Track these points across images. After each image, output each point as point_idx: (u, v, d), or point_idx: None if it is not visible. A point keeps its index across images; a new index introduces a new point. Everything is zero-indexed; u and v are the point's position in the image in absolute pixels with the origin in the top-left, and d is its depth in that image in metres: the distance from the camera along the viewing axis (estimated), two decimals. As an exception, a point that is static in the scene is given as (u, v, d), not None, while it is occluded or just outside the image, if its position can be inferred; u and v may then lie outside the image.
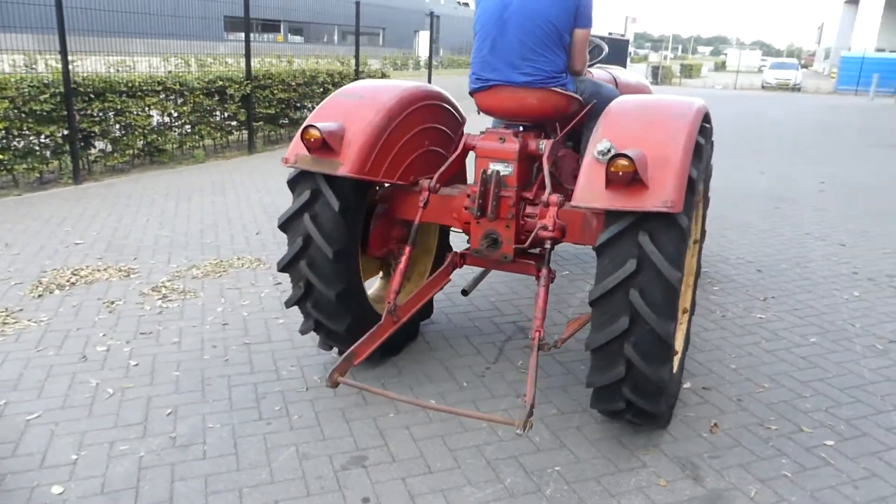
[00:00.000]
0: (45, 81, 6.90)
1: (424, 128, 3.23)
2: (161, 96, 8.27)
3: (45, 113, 6.86)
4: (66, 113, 7.07)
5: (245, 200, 6.78)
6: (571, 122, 3.33)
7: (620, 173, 2.30)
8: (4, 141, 6.69)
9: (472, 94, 3.24)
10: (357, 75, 11.47)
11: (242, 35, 9.45)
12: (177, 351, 3.57)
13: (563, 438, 2.86)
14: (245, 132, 9.77)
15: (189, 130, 8.89)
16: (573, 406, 3.12)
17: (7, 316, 3.89)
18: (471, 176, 3.52)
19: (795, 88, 29.12)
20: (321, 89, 10.79)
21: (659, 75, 29.68)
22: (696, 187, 2.49)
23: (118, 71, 7.91)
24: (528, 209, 3.05)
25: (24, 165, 6.83)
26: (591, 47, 3.74)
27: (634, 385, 2.54)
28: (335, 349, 3.40)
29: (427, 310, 3.73)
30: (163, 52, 8.97)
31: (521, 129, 3.20)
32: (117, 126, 7.84)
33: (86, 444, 2.75)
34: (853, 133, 14.32)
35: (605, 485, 2.56)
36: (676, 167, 2.36)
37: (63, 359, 3.44)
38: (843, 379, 3.39)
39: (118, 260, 4.88)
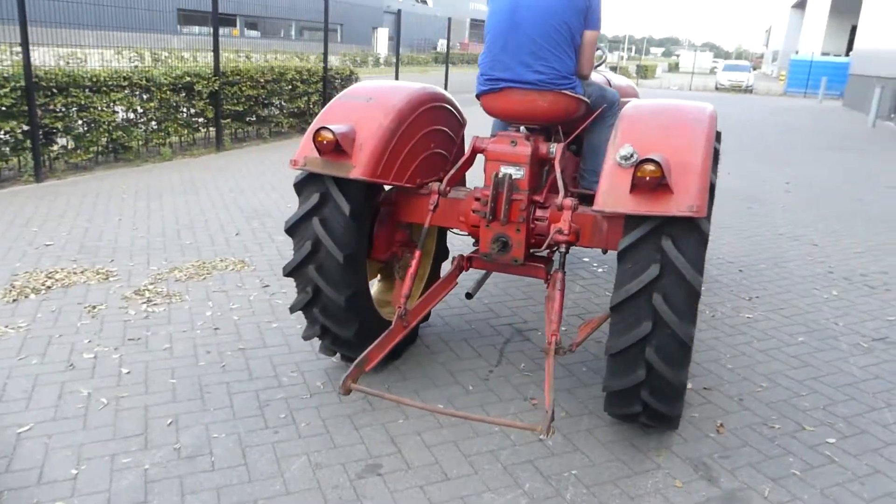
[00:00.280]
0: (6, 75, 6.60)
1: (431, 130, 3.20)
2: (126, 92, 8.00)
3: (4, 108, 6.57)
4: (27, 108, 6.77)
5: (219, 200, 6.61)
6: (574, 124, 3.34)
7: (648, 178, 2.31)
8: (-37, 137, 6.38)
9: (479, 96, 3.21)
10: (325, 73, 11.32)
11: (196, 28, 9.21)
12: (169, 357, 3.45)
13: (575, 442, 2.86)
14: (212, 129, 9.55)
15: (155, 127, 8.63)
16: (581, 409, 3.13)
17: (-17, 322, 3.70)
18: (472, 179, 3.51)
19: (748, 90, 29.98)
20: (290, 86, 10.61)
21: (617, 76, 30.04)
22: (714, 192, 2.52)
23: (68, 63, 7.62)
24: (538, 213, 3.05)
25: (-17, 162, 6.53)
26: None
27: (653, 388, 2.56)
28: (336, 355, 3.34)
29: (426, 313, 3.70)
30: (114, 45, 8.65)
31: (525, 131, 3.19)
32: (81, 122, 7.56)
33: (85, 458, 2.63)
34: (807, 134, 14.80)
35: (623, 487, 2.58)
36: (698, 172, 2.38)
37: (49, 367, 3.29)
38: (835, 377, 3.49)
39: (94, 262, 4.70)
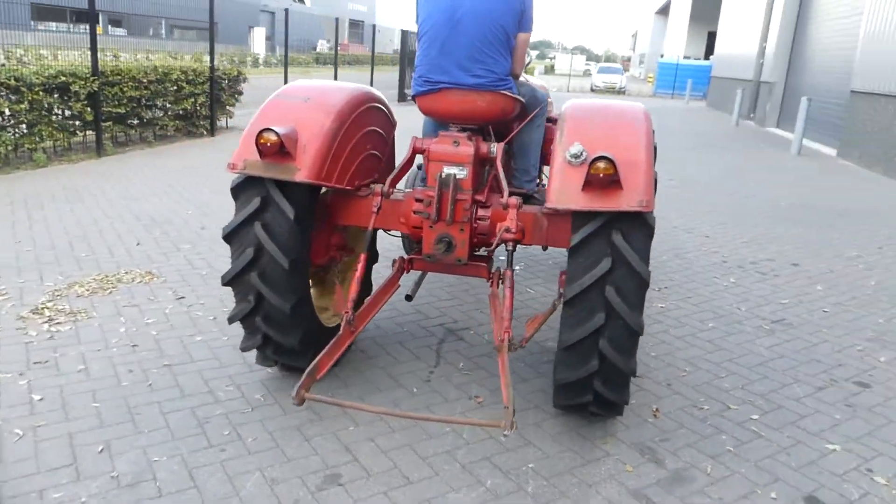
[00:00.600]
0: None
1: (367, 131, 3.15)
2: (-8, 92, 7.28)
3: None
4: None
5: (111, 208, 6.16)
6: (506, 124, 3.40)
7: (601, 175, 2.40)
8: None
9: (415, 96, 3.20)
10: (212, 73, 10.82)
11: (53, 25, 8.53)
12: (86, 379, 3.18)
13: (526, 436, 2.92)
14: (91, 133, 8.87)
15: (26, 131, 7.90)
16: (525, 404, 3.19)
17: None
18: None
19: (621, 91, 31.79)
20: (175, 87, 10.06)
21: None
22: (657, 186, 2.66)
23: None
24: (480, 212, 3.08)
25: None
26: None
27: (605, 378, 2.66)
28: (275, 365, 3.22)
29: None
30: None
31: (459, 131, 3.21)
32: (-60, 125, 6.79)
33: (8, 497, 2.37)
34: (680, 133, 15.88)
35: (579, 476, 2.66)
36: (645, 168, 2.50)
37: (-56, 399, 2.94)
38: (747, 358, 3.78)
39: (-23, 280, 4.25)
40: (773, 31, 16.32)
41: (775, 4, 16.34)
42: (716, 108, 24.03)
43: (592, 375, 2.65)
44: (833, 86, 12.71)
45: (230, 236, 2.82)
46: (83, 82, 8.34)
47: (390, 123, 3.46)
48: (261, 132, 2.62)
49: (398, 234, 3.74)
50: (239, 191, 2.83)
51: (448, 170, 2.99)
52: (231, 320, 2.95)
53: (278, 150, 2.64)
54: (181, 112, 10.40)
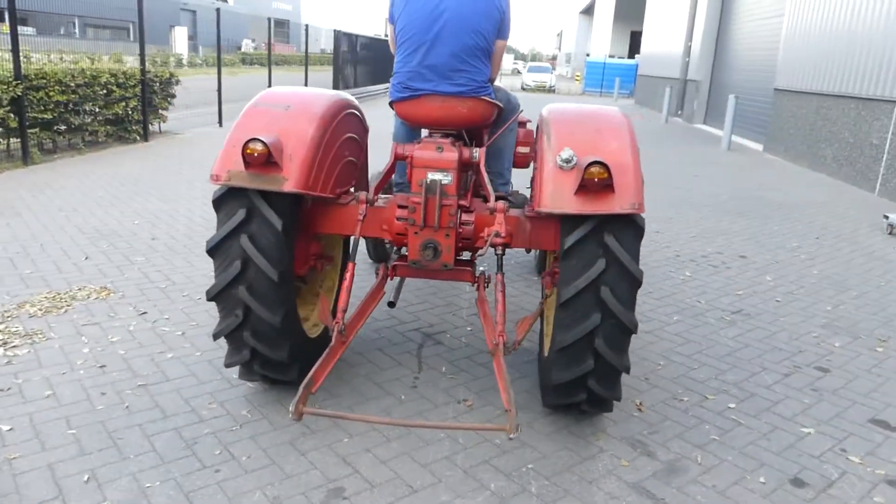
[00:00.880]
0: None
1: (346, 138, 3.11)
2: None
3: None
4: None
5: (50, 221, 5.85)
6: (482, 128, 3.43)
7: (596, 179, 2.45)
8: None
9: (394, 102, 3.18)
10: (144, 76, 10.41)
11: None
12: (57, 405, 3.01)
13: (521, 437, 2.95)
14: (15, 141, 8.38)
15: (-55, 139, 7.40)
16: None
17: None
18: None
19: (551, 90, 32.43)
20: (104, 90, 9.62)
21: (432, 78, 30.97)
22: None
23: None
24: (464, 217, 3.09)
25: None
26: None
27: (599, 376, 2.72)
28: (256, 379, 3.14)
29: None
30: None
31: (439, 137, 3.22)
32: None
33: (-9, 536, 2.23)
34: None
35: (579, 473, 2.71)
36: (634, 171, 2.57)
37: None
38: (714, 349, 3.93)
39: (-84, 303, 3.96)
40: (697, 30, 17.02)
41: (699, 5, 17.05)
42: (643, 105, 24.83)
43: (587, 374, 2.71)
44: (758, 83, 13.37)
45: (214, 250, 2.73)
46: (5, 87, 7.86)
47: (364, 129, 3.43)
48: (248, 142, 2.55)
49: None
50: (221, 202, 2.75)
51: (433, 175, 2.98)
52: (216, 336, 2.86)
53: (265, 161, 2.58)
54: (112, 117, 9.96)
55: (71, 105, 9.09)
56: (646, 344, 3.97)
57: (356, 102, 3.30)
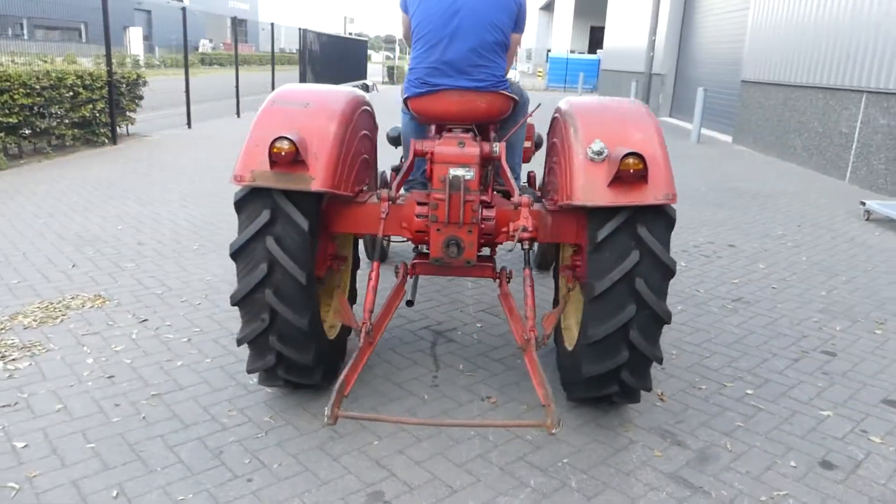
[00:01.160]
0: None
1: (362, 135, 3.06)
2: None
3: None
4: None
5: (28, 228, 5.63)
6: (499, 123, 3.40)
7: (631, 171, 2.45)
8: None
9: (409, 98, 3.13)
10: (111, 77, 10.10)
11: None
12: (70, 419, 2.90)
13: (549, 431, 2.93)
14: (-21, 146, 8.06)
15: None
16: (536, 399, 3.20)
17: None
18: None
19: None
20: (70, 93, 9.31)
21: (395, 75, 30.90)
22: None
23: None
24: (485, 212, 3.06)
25: None
26: None
27: (633, 368, 2.73)
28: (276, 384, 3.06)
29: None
30: None
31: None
32: None
33: (23, 559, 2.13)
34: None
35: (614, 465, 2.71)
36: (664, 161, 2.58)
37: None
38: (722, 337, 3.99)
39: None
40: (661, 25, 17.28)
41: (661, 1, 17.31)
42: (607, 100, 25.12)
43: (621, 367, 2.71)
44: (724, 76, 13.64)
45: (238, 253, 2.65)
46: (-31, 91, 7.56)
47: (375, 126, 3.38)
48: (275, 141, 2.47)
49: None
50: (243, 204, 2.66)
51: (454, 171, 2.94)
52: (241, 342, 2.78)
53: (292, 160, 2.51)
54: (78, 120, 9.65)
55: (37, 108, 8.78)
56: (655, 334, 3.99)
57: (368, 99, 3.24)
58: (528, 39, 55.55)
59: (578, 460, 2.75)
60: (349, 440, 2.82)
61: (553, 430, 2.37)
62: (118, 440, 2.76)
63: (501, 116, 3.23)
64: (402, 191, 3.39)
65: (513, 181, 2.97)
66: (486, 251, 3.31)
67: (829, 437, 2.97)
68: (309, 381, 2.95)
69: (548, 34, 46.48)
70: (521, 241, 2.83)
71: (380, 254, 4.75)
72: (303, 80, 18.53)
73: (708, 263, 5.41)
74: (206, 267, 4.87)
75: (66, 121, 9.49)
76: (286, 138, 2.47)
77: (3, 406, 2.97)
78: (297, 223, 2.62)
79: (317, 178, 2.57)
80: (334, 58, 21.09)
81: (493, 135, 3.55)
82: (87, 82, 9.64)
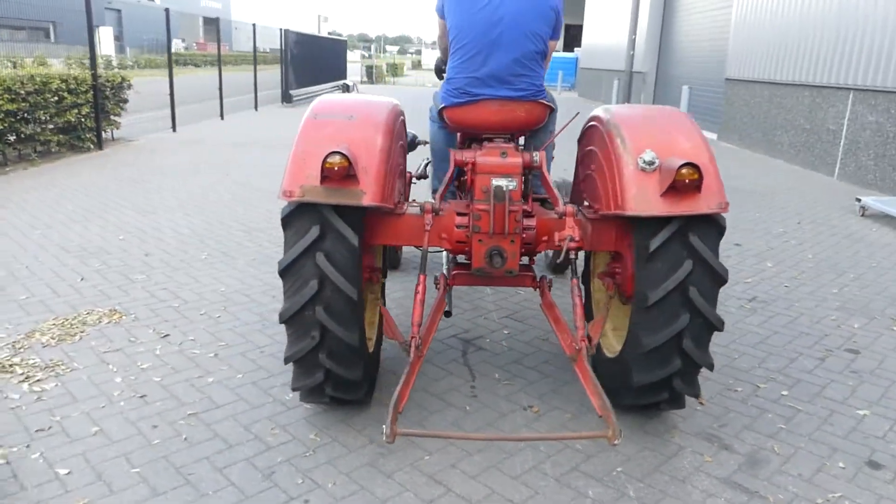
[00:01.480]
0: None
1: (401, 145, 3.02)
2: None
3: None
4: None
5: (26, 241, 5.48)
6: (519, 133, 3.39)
7: (687, 181, 2.45)
8: None
9: (446, 108, 3.09)
10: (95, 81, 9.88)
11: None
12: (109, 443, 2.82)
13: (598, 441, 2.93)
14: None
15: None
16: (578, 407, 3.21)
17: None
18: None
19: (493, 85, 32.52)
20: (55, 97, 9.09)
21: (373, 75, 30.78)
22: None
23: None
24: (526, 221, 3.05)
25: None
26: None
27: (684, 375, 2.74)
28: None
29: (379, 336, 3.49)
30: None
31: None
32: None
33: None
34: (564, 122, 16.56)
35: (669, 473, 2.72)
36: (714, 171, 2.58)
37: (-52, 489, 2.49)
38: (746, 338, 4.02)
39: (-89, 340, 3.63)
40: (641, 24, 17.42)
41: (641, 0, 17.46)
42: (586, 97, 25.28)
43: (674, 374, 2.72)
44: (708, 74, 13.80)
45: (287, 270, 2.60)
46: (-47, 98, 7.34)
47: (406, 135, 3.34)
48: (328, 156, 2.43)
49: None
50: (291, 219, 2.61)
51: (497, 181, 2.92)
52: (289, 360, 2.73)
53: (345, 175, 2.47)
54: (64, 125, 9.42)
55: (21, 114, 8.56)
56: (681, 337, 4.02)
57: (402, 107, 3.20)
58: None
59: (632, 469, 2.75)
60: (399, 456, 2.79)
61: (615, 441, 2.37)
62: (163, 463, 2.69)
63: (539, 125, 3.21)
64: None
65: (555, 190, 2.96)
66: (524, 260, 3.29)
67: (871, 437, 3.01)
68: (355, 396, 2.91)
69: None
70: (568, 250, 2.82)
71: (392, 263, 4.72)
72: (284, 80, 18.33)
73: (718, 263, 5.45)
74: (218, 277, 4.79)
75: (51, 126, 9.26)
76: (339, 153, 2.43)
77: (38, 431, 2.88)
78: (348, 238, 2.58)
79: (368, 193, 2.53)
80: (315, 57, 20.89)
81: (516, 141, 3.54)
82: (73, 86, 9.42)
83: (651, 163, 2.57)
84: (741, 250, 5.84)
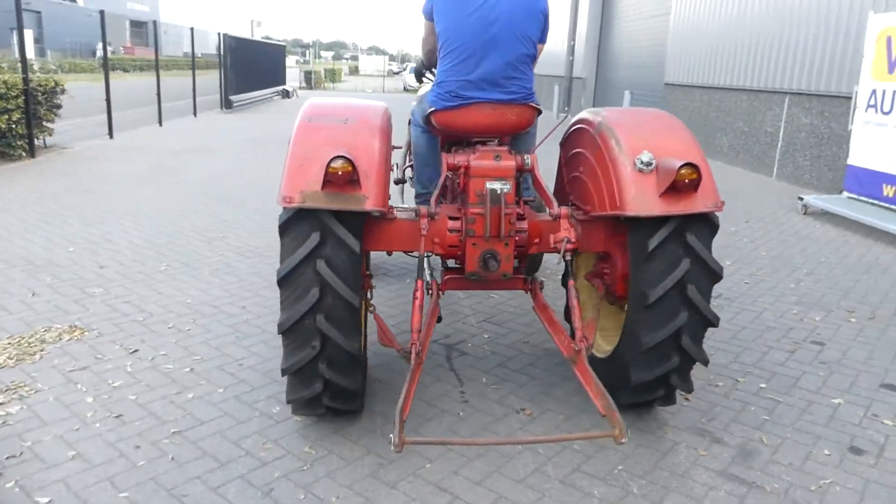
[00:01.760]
0: None
1: (391, 149, 2.97)
2: None
3: None
4: None
5: (-33, 255, 5.13)
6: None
7: (687, 181, 2.50)
8: None
9: (437, 111, 3.06)
10: (27, 85, 9.36)
11: None
12: (90, 467, 2.65)
13: (595, 441, 2.96)
14: None
15: None
16: (569, 408, 3.23)
17: None
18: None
19: (434, 91, 32.59)
20: (-16, 103, 8.57)
21: (312, 80, 30.36)
22: None
23: None
24: (519, 224, 3.05)
25: None
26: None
27: (681, 371, 2.79)
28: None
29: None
30: None
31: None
32: None
33: None
34: (510, 129, 16.74)
35: (668, 469, 2.76)
36: (707, 170, 2.65)
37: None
38: (719, 335, 4.13)
39: None
40: (580, 30, 17.83)
41: (580, 7, 17.85)
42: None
43: (672, 371, 2.76)
44: (648, 79, 14.22)
45: (286, 279, 2.51)
46: None
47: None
48: (332, 160, 2.36)
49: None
50: (289, 226, 2.53)
51: (491, 185, 2.91)
52: (286, 371, 2.64)
53: (349, 179, 2.41)
54: (-8, 133, 8.89)
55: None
56: (656, 335, 4.10)
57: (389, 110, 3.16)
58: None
59: (632, 466, 2.78)
60: (400, 465, 2.73)
61: (622, 440, 2.39)
62: (152, 486, 2.55)
63: (528, 128, 3.22)
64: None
65: (548, 192, 2.97)
66: (514, 263, 3.28)
67: (849, 424, 3.14)
68: (351, 406, 2.84)
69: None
70: (566, 251, 2.83)
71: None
72: (224, 85, 17.85)
73: (679, 262, 5.60)
74: (182, 289, 4.60)
75: (-22, 134, 8.74)
76: (344, 157, 2.37)
77: (8, 458, 2.69)
78: (348, 244, 2.52)
79: (370, 197, 2.48)
80: (254, 63, 20.44)
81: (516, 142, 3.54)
82: (2, 91, 8.90)
83: (649, 164, 2.61)
84: (699, 249, 6.01)
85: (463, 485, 2.62)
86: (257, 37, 34.54)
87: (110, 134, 11.86)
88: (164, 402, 3.15)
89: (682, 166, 2.50)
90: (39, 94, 9.88)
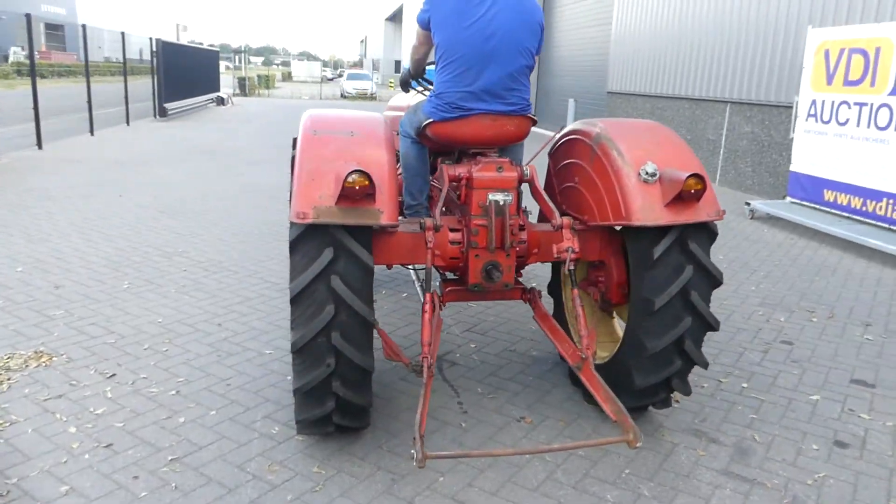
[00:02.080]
0: None
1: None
2: None
3: None
4: None
5: None
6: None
7: (692, 191, 2.58)
8: None
9: (435, 123, 3.05)
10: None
11: None
12: (87, 502, 2.52)
13: (598, 446, 3.01)
14: None
15: None
16: (567, 414, 3.27)
17: None
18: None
19: (372, 97, 32.55)
20: None
21: (246, 87, 29.69)
22: None
23: None
24: (520, 235, 3.08)
25: None
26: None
27: (682, 374, 2.87)
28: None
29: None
30: None
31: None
32: None
33: None
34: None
35: (672, 470, 2.84)
36: (708, 180, 2.74)
37: None
38: (694, 335, 4.28)
39: None
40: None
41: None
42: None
43: (674, 374, 2.85)
44: (590, 87, 14.59)
45: (298, 297, 2.45)
46: None
47: None
48: (349, 175, 2.32)
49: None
50: (300, 242, 2.47)
51: (493, 196, 2.92)
52: (299, 391, 2.57)
53: (365, 193, 2.38)
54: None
55: None
56: (636, 339, 4.21)
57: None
58: (376, 50, 55.75)
59: (638, 469, 2.84)
60: (413, 480, 2.71)
61: (637, 444, 2.44)
62: (160, 517, 2.44)
63: (524, 138, 3.25)
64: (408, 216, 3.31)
65: (549, 202, 3.00)
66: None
67: (829, 419, 3.31)
68: (360, 423, 2.80)
69: (395, 45, 46.91)
70: (571, 261, 2.87)
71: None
72: (159, 91, 17.22)
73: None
74: (150, 308, 4.42)
75: None
76: (361, 171, 2.33)
77: (-4, 496, 2.52)
78: (362, 259, 2.48)
79: (385, 211, 2.46)
80: (188, 69, 19.81)
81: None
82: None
83: (653, 174, 2.69)
84: (659, 253, 6.21)
85: (479, 496, 2.62)
86: (184, 41, 33.53)
87: (39, 144, 11.26)
88: (156, 428, 3.02)
89: (689, 177, 2.58)
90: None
